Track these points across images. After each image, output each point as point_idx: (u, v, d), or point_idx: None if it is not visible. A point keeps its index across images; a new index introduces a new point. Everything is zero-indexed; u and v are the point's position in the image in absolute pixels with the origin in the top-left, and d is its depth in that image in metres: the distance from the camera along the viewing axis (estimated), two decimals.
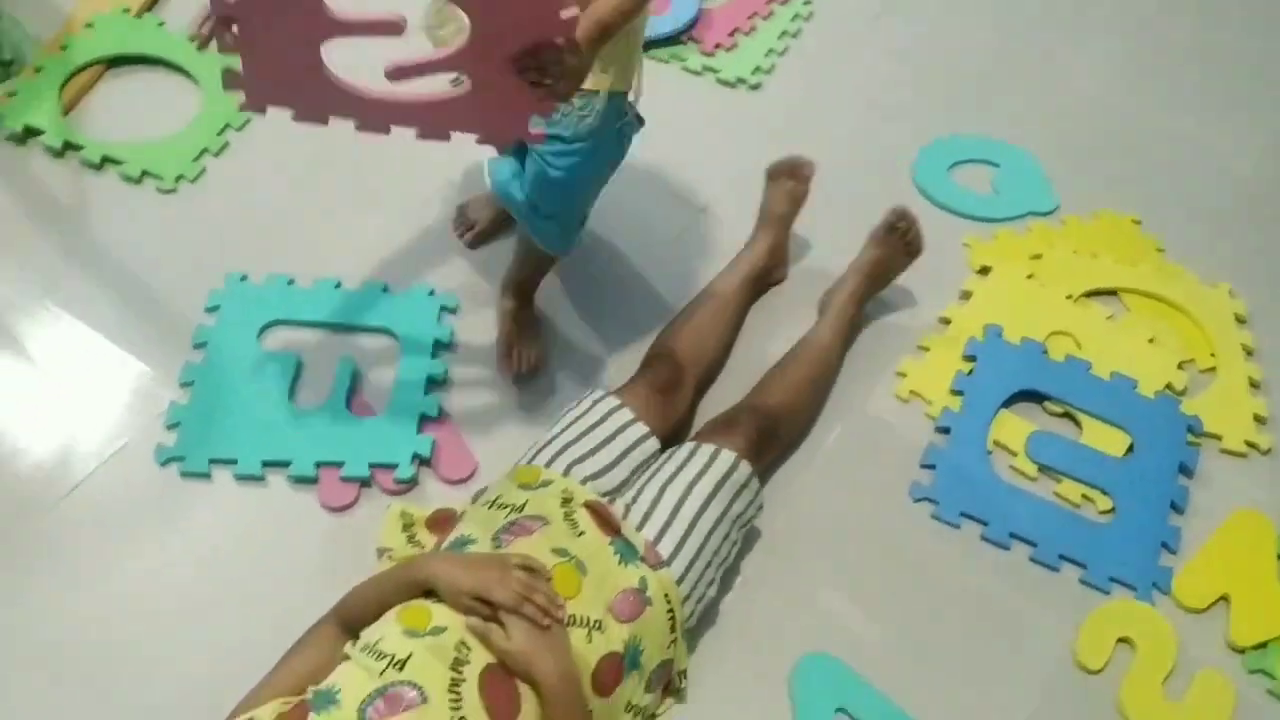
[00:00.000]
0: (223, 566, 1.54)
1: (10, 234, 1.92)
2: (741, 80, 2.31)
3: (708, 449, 1.51)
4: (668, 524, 1.42)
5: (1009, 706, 1.48)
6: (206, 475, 1.62)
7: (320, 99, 1.35)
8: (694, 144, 2.18)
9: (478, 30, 1.26)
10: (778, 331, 1.86)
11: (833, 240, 1.97)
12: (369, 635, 1.24)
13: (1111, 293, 1.98)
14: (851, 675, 1.47)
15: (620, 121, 1.53)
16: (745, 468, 1.51)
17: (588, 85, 1.41)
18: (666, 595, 1.38)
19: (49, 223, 1.94)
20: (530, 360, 1.75)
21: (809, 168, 1.90)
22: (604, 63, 1.41)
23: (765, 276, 1.91)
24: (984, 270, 1.98)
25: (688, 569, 1.41)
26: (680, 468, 1.49)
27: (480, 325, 1.84)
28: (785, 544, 1.61)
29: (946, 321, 1.90)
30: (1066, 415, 1.79)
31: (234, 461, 1.63)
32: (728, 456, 1.50)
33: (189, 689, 1.42)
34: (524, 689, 1.21)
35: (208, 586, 1.52)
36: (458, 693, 1.17)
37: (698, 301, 1.82)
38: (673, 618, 1.39)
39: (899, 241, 1.85)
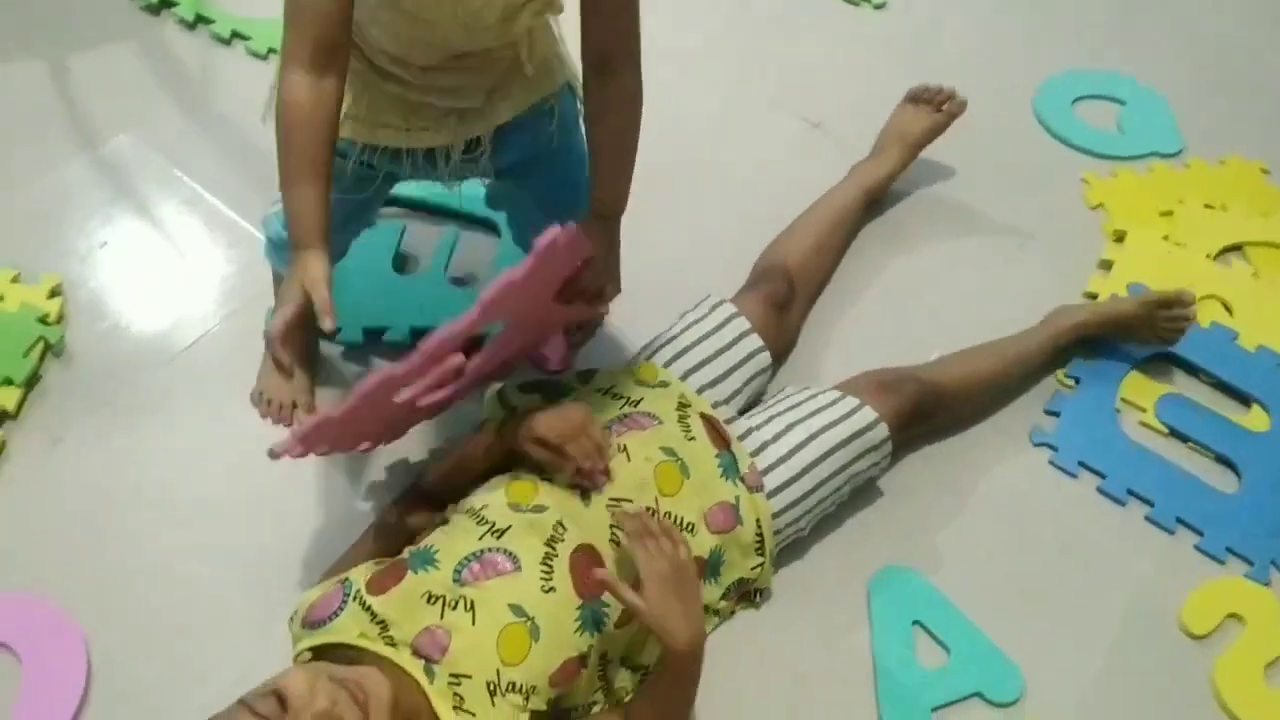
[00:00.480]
0: None
1: (141, 100, 1.98)
2: None
3: (851, 401, 1.47)
4: (782, 460, 1.42)
5: (1092, 652, 1.46)
6: None
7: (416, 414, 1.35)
8: (811, 59, 2.15)
9: (514, 322, 1.29)
10: (884, 255, 1.84)
11: (943, 165, 1.94)
12: (473, 501, 1.30)
13: (1237, 248, 1.90)
14: (932, 591, 1.47)
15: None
16: (882, 430, 1.47)
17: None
18: (757, 519, 1.39)
19: (178, 92, 2.00)
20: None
21: (957, 104, 1.85)
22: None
23: (880, 196, 1.88)
24: (1119, 237, 1.90)
25: (787, 508, 1.41)
26: (815, 411, 1.46)
27: None
28: (894, 469, 1.58)
29: (1093, 296, 1.81)
30: (1207, 384, 1.73)
31: (338, 329, 1.66)
32: (868, 414, 1.46)
33: (285, 539, 1.47)
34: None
35: None
36: (549, 566, 1.21)
37: (812, 215, 1.78)
38: (760, 540, 1.40)
39: (1161, 322, 1.68)
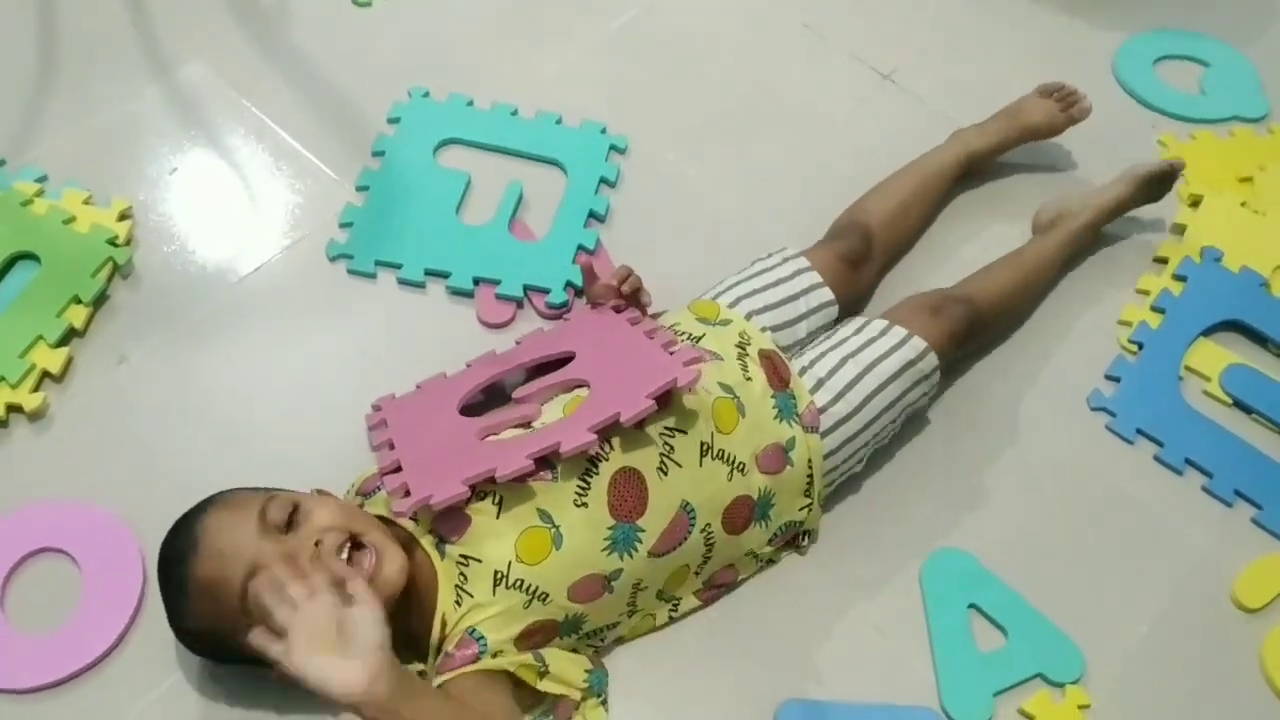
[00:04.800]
0: (378, 361, 1.61)
1: (213, 31, 2.00)
2: None
3: (900, 332, 1.46)
4: (839, 396, 1.41)
5: (1142, 621, 1.44)
6: (372, 275, 1.69)
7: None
8: (880, 7, 2.11)
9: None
10: (963, 218, 1.81)
11: None
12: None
13: None
14: (986, 574, 1.45)
15: None
16: (932, 359, 1.46)
17: None
18: (809, 460, 1.38)
19: (250, 23, 2.02)
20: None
21: (1081, 109, 1.81)
22: None
23: (978, 167, 1.83)
24: (1195, 203, 1.84)
25: (842, 445, 1.41)
26: (868, 344, 1.45)
27: (646, 169, 1.85)
28: (948, 432, 1.58)
29: (1163, 260, 1.77)
30: (1276, 355, 1.69)
31: (399, 266, 1.69)
32: (918, 344, 1.45)
33: (337, 464, 1.48)
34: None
35: (361, 376, 1.59)
36: (586, 483, 1.24)
37: (900, 175, 1.75)
38: (810, 482, 1.40)
39: (1155, 192, 1.76)
